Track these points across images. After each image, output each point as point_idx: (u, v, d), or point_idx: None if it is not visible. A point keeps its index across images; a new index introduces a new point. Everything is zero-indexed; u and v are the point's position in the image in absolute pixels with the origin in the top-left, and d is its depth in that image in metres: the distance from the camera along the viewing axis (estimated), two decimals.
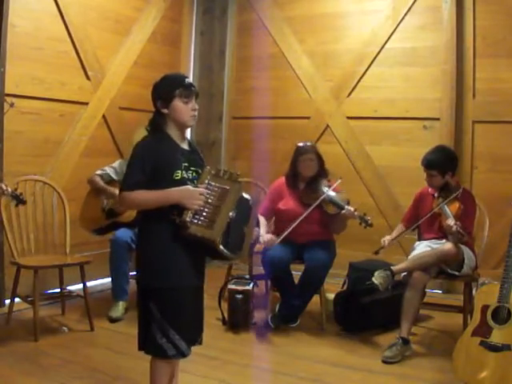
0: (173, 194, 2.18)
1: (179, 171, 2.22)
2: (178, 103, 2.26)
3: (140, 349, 2.32)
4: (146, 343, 2.26)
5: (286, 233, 3.76)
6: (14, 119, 3.99)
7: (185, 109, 2.26)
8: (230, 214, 2.23)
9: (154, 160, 2.20)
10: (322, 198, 3.75)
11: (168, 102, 2.25)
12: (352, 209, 3.66)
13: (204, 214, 2.19)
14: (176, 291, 2.23)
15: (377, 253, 3.61)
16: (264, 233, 3.86)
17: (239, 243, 2.30)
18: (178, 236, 2.19)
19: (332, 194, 3.78)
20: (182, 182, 2.22)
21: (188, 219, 2.15)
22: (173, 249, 2.21)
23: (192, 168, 2.28)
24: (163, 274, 2.22)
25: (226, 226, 2.21)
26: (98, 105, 4.67)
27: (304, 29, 5.34)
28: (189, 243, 2.21)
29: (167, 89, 2.27)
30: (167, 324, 2.20)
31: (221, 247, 2.20)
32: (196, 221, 2.17)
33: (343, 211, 3.67)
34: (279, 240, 3.76)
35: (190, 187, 2.21)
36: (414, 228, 3.69)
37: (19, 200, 3.26)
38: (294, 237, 3.80)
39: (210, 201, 2.21)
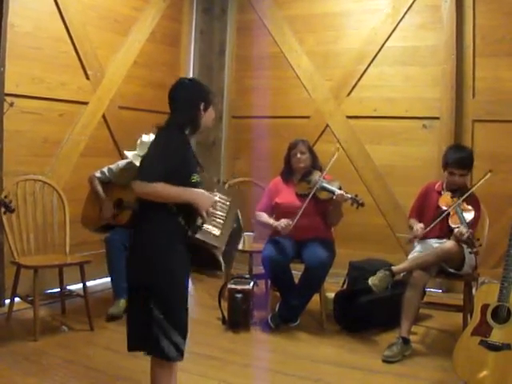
0: (190, 192, 2.24)
1: (196, 174, 2.30)
2: (211, 109, 2.42)
3: (131, 349, 2.29)
4: (148, 345, 2.24)
5: (299, 213, 3.73)
6: (14, 119, 3.99)
7: (213, 115, 2.44)
8: (234, 225, 2.36)
9: (180, 159, 2.24)
10: (316, 185, 3.78)
11: (207, 108, 2.38)
12: (343, 192, 3.70)
13: (212, 221, 2.27)
14: (178, 290, 2.24)
15: (411, 241, 3.59)
16: (273, 221, 3.86)
17: (231, 255, 2.41)
18: (181, 236, 2.23)
19: (324, 181, 3.83)
20: (196, 185, 2.29)
21: (199, 224, 2.24)
22: (177, 248, 2.23)
23: (199, 172, 2.35)
24: (168, 272, 2.22)
25: (228, 237, 2.32)
26: (97, 104, 4.67)
27: (304, 28, 5.33)
28: (189, 243, 2.24)
29: (209, 95, 2.41)
30: (169, 324, 2.20)
31: (219, 257, 2.30)
32: (204, 227, 2.25)
33: (334, 196, 3.70)
34: (295, 222, 3.74)
35: (206, 192, 2.29)
36: (433, 226, 3.52)
37: (7, 208, 3.23)
38: (294, 233, 3.80)
39: (218, 210, 2.32)
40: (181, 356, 2.25)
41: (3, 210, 3.27)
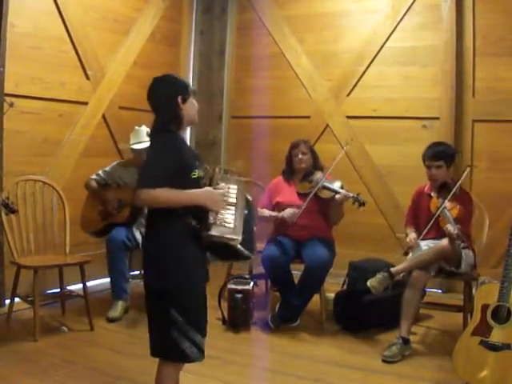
0: (197, 195, 2.21)
1: (196, 170, 2.26)
2: (192, 100, 2.33)
3: (155, 355, 2.25)
4: (168, 350, 2.20)
5: (305, 204, 3.76)
6: (14, 119, 3.99)
7: (195, 106, 2.35)
8: (245, 212, 2.30)
9: (177, 158, 2.21)
10: (319, 184, 3.80)
11: (186, 99, 2.30)
12: (345, 190, 3.73)
13: (222, 214, 2.23)
14: (195, 292, 2.22)
15: (406, 253, 3.57)
16: (276, 213, 3.86)
17: (251, 240, 2.35)
18: (194, 236, 2.20)
19: (326, 180, 3.85)
20: (197, 180, 2.25)
21: (212, 221, 2.19)
22: (190, 249, 2.21)
23: (200, 166, 2.32)
24: (183, 274, 2.19)
25: (243, 225, 2.27)
26: (97, 104, 4.67)
27: (304, 28, 5.33)
28: (204, 243, 2.22)
29: (185, 86, 2.33)
30: (189, 326, 2.17)
31: (239, 246, 2.24)
32: (217, 222, 2.21)
33: (337, 195, 3.71)
34: (301, 211, 3.75)
35: (211, 189, 2.25)
36: (426, 231, 3.54)
37: (9, 209, 3.21)
38: (294, 232, 3.81)
39: (227, 201, 2.27)
40: (202, 356, 2.24)
41: (5, 211, 3.26)
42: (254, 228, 2.39)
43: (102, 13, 4.69)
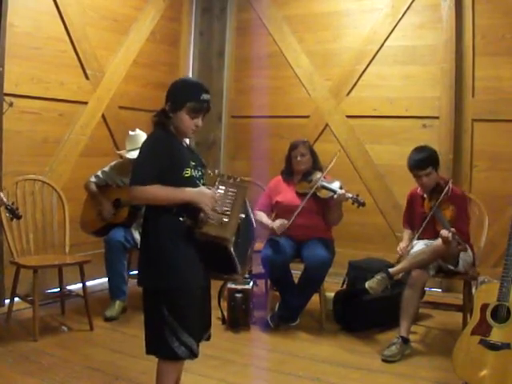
0: (187, 193, 2.20)
1: (189, 169, 2.24)
2: (184, 115, 2.26)
3: (149, 353, 2.28)
4: (158, 347, 2.23)
5: (297, 211, 3.76)
6: (13, 119, 3.99)
7: (188, 122, 2.27)
8: (241, 215, 2.29)
9: (166, 155, 2.20)
10: (317, 184, 3.80)
11: (176, 110, 2.26)
12: (344, 191, 3.72)
13: (216, 214, 2.22)
14: (186, 291, 2.21)
15: (398, 262, 3.55)
16: (270, 221, 3.87)
17: (244, 255, 2.34)
18: (186, 236, 2.20)
19: (325, 180, 3.86)
20: (191, 179, 2.24)
21: (204, 219, 2.19)
22: (182, 248, 2.21)
23: (198, 167, 2.31)
24: (173, 274, 2.20)
25: (236, 227, 2.25)
26: (97, 104, 4.67)
27: (303, 28, 5.33)
28: (197, 243, 2.22)
29: (180, 97, 2.27)
30: (179, 326, 2.18)
31: (231, 249, 2.22)
32: (211, 221, 2.20)
33: (335, 195, 3.71)
34: (291, 221, 3.76)
35: (204, 188, 2.25)
36: (423, 232, 3.55)
37: (15, 215, 3.20)
38: (294, 232, 3.81)
39: (221, 202, 2.26)
40: (193, 356, 2.24)
41: (10, 216, 3.25)
42: (250, 250, 2.40)
43: (102, 12, 4.68)
